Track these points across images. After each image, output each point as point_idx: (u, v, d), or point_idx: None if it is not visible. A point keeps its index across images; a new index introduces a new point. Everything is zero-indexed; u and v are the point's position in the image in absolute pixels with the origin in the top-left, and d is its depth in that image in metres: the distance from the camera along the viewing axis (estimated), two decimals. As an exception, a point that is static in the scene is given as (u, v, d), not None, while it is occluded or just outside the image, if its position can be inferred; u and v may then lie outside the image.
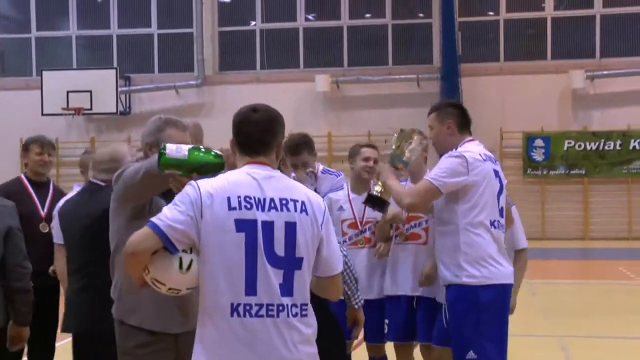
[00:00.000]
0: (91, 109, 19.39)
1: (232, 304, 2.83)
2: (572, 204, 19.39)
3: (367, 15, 20.88)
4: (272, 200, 2.91)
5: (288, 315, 2.87)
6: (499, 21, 20.05)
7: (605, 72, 19.10)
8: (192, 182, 2.94)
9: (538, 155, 19.42)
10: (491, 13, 20.24)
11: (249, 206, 2.88)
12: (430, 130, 4.73)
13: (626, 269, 13.66)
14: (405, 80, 19.64)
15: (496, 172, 4.55)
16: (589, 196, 19.29)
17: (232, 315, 2.83)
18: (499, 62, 19.96)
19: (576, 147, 19.24)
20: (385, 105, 19.11)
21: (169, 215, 2.84)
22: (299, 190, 3.03)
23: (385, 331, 5.23)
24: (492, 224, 4.46)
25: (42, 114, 19.14)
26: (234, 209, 2.86)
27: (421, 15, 20.56)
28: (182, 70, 20.92)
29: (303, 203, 2.96)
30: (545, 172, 19.43)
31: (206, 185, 2.90)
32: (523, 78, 19.48)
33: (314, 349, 2.98)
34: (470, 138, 4.70)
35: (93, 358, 3.97)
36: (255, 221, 2.87)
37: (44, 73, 19.69)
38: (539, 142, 19.40)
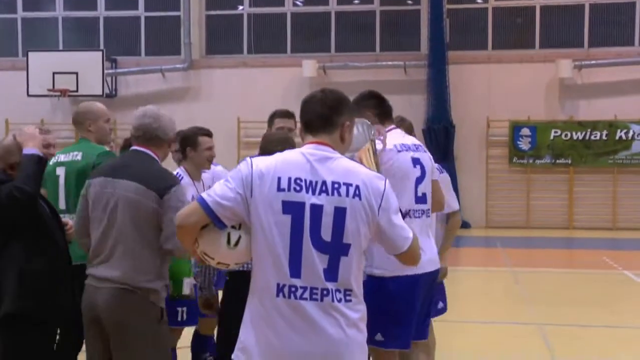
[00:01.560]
0: (77, 90, 19.23)
1: (278, 285, 2.85)
2: (558, 194, 19.45)
3: (356, 1, 20.80)
4: (324, 183, 2.88)
5: (332, 300, 2.86)
6: (487, 9, 20.02)
7: (593, 62, 19.13)
8: (247, 158, 2.97)
9: (524, 144, 19.46)
10: (480, 1, 20.21)
11: (298, 188, 2.86)
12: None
13: (610, 259, 13.75)
14: (393, 67, 19.61)
15: (416, 160, 4.50)
16: (574, 186, 19.35)
17: (277, 295, 2.85)
18: (487, 51, 19.95)
19: (562, 136, 19.29)
20: (372, 92, 19.04)
21: (218, 191, 2.88)
22: (356, 174, 2.95)
23: None
24: (406, 213, 4.40)
25: (28, 95, 18.98)
26: (283, 190, 2.86)
27: (410, 2, 20.50)
28: (169, 53, 20.79)
29: (357, 187, 2.90)
30: (531, 161, 19.48)
31: (259, 163, 2.91)
32: (510, 67, 19.48)
33: (360, 335, 2.96)
34: (391, 127, 4.66)
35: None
36: (303, 204, 2.85)
37: (30, 54, 19.51)
38: (525, 131, 19.45)
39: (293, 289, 2.84)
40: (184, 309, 5.03)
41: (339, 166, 2.94)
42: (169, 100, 20.09)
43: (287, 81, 19.59)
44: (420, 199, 4.52)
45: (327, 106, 3.01)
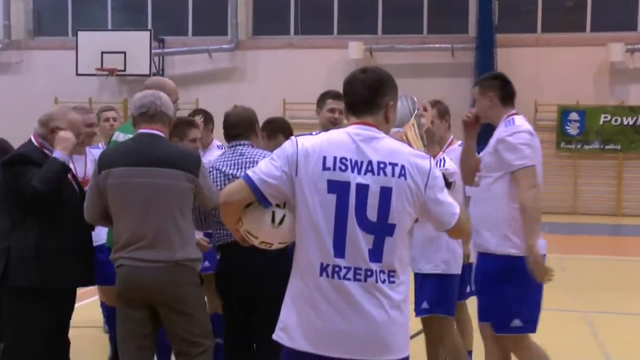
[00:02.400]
0: (125, 70, 19.45)
1: (321, 264, 2.84)
2: (606, 180, 19.14)
3: (403, -18, 20.63)
4: (369, 163, 2.86)
5: (376, 281, 2.84)
6: (537, -9, 19.72)
7: (645, 46, 18.73)
8: (292, 137, 2.96)
9: (572, 129, 19.16)
10: (530, -17, 19.90)
11: (343, 168, 2.85)
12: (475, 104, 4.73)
13: (658, 246, 13.51)
14: (440, 50, 19.43)
15: None
16: (624, 172, 19.01)
17: (321, 275, 2.84)
18: (536, 34, 19.64)
19: (612, 121, 18.94)
20: (418, 75, 18.89)
21: (263, 169, 2.88)
22: (401, 154, 2.93)
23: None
24: None
25: (77, 74, 19.25)
26: (328, 169, 2.84)
27: (458, -17, 20.28)
28: (215, 33, 20.85)
29: (403, 167, 2.88)
30: (579, 147, 19.18)
31: (305, 141, 2.90)
32: (560, 50, 19.16)
33: (403, 317, 2.93)
34: (514, 111, 4.66)
35: None
36: (348, 184, 2.83)
37: (80, 33, 19.76)
38: (573, 116, 19.14)
39: (337, 269, 2.82)
40: None
41: (385, 146, 2.92)
42: (215, 80, 20.20)
43: (333, 63, 19.53)
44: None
45: (370, 88, 2.98)
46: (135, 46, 19.34)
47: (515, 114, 4.64)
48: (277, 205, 2.90)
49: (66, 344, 4.62)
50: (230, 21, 20.47)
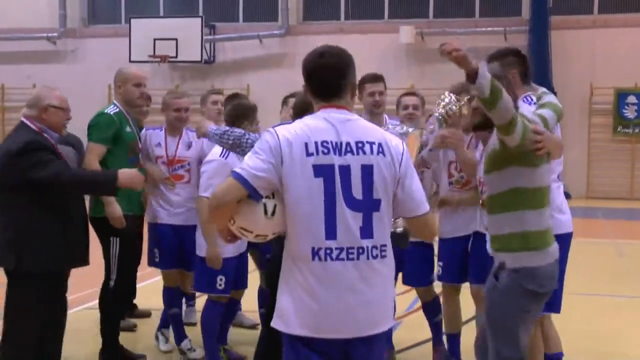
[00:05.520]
0: (176, 57, 19.61)
1: (312, 249, 2.89)
2: (664, 164, 18.72)
3: (455, -36, 20.37)
4: (348, 144, 2.94)
5: (368, 257, 2.92)
6: (593, -29, 19.28)
7: None
8: (270, 129, 3.01)
9: (630, 113, 18.74)
10: (585, -37, 19.46)
11: (326, 151, 2.92)
12: None
13: None
14: (492, 34, 19.13)
15: None
16: (682, 156, 18.58)
17: (313, 259, 2.89)
18: (592, 15, 19.23)
19: (671, 104, 18.49)
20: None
21: (251, 164, 2.91)
22: (376, 132, 3.04)
23: (440, 272, 5.44)
24: (558, 176, 4.55)
25: (130, 61, 19.46)
26: (312, 154, 2.91)
27: (511, -35, 19.94)
28: (266, 19, 20.88)
29: (380, 145, 2.98)
30: (636, 131, 18.75)
31: (284, 131, 2.95)
32: (617, 31, 18.71)
33: (392, 290, 3.07)
34: (528, 93, 4.58)
35: None
36: (332, 166, 2.91)
37: (132, 21, 19.98)
38: (631, 99, 18.71)
39: (328, 251, 2.88)
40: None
41: (359, 126, 3.02)
42: (266, 66, 20.23)
43: (384, 47, 19.40)
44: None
45: (333, 74, 3.05)
46: (186, 33, 19.47)
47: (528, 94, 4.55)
48: (267, 197, 2.93)
49: (62, 323, 4.88)
50: (281, 6, 20.47)
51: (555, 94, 20.98)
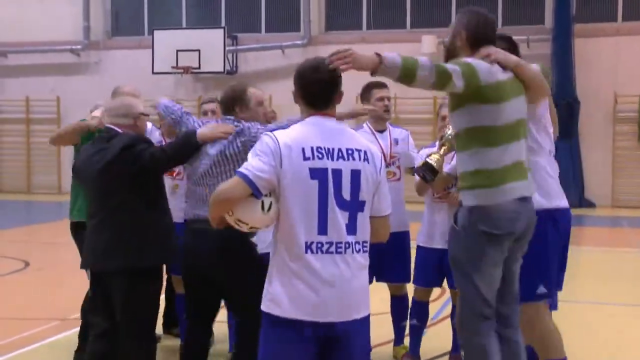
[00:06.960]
0: (199, 68, 19.71)
1: (306, 242, 3.26)
2: (690, 172, 18.50)
3: (477, -27, 20.31)
4: (339, 150, 3.32)
5: (352, 252, 3.31)
6: (617, -22, 19.15)
7: None
8: (269, 133, 3.36)
9: (655, 120, 18.56)
10: (609, -30, 19.34)
11: (320, 156, 3.28)
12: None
13: None
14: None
15: None
16: None
17: (306, 252, 3.25)
18: (616, 23, 19.09)
19: (696, 112, 18.28)
20: (493, 67, 18.59)
21: (255, 165, 3.27)
22: (361, 141, 3.43)
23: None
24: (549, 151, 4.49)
25: (153, 73, 19.61)
26: (308, 158, 3.27)
27: (534, -27, 19.86)
28: (288, 30, 20.96)
29: (365, 152, 3.38)
30: (661, 139, 18.57)
31: (283, 137, 3.31)
32: (641, 39, 18.57)
33: (367, 280, 3.46)
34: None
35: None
36: (326, 169, 3.27)
37: (155, 32, 20.12)
38: (656, 107, 18.53)
39: (319, 245, 3.25)
40: None
41: (348, 135, 3.42)
42: (288, 76, 20.08)
43: (406, 57, 19.35)
44: None
45: (325, 89, 3.43)
46: (209, 44, 19.57)
47: None
48: (265, 195, 3.28)
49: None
50: (303, 17, 20.53)
51: (579, 102, 20.83)
